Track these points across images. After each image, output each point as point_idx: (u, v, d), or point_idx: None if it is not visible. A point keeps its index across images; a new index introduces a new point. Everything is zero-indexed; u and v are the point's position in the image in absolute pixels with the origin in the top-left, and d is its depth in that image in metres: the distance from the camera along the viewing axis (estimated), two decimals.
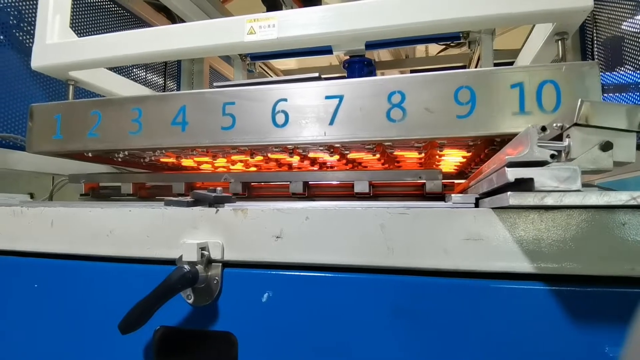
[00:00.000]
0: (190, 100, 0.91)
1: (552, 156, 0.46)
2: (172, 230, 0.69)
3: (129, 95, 1.00)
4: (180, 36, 0.99)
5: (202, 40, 0.97)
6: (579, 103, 0.47)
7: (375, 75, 1.64)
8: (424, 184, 0.91)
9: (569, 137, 0.48)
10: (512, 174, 0.46)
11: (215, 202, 0.70)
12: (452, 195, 0.66)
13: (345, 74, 1.56)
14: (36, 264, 0.78)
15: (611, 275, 0.53)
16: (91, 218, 0.74)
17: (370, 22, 0.88)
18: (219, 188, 0.74)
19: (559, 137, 0.50)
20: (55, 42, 1.09)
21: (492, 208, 0.56)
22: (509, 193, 0.47)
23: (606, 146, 0.47)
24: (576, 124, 0.47)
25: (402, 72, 2.45)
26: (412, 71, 2.37)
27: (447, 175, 1.17)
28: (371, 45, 1.57)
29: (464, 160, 1.06)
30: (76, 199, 1.18)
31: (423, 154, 0.99)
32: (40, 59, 1.10)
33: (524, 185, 0.47)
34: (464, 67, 2.06)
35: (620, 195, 0.46)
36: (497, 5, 0.80)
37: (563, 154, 0.48)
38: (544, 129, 0.47)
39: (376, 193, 0.97)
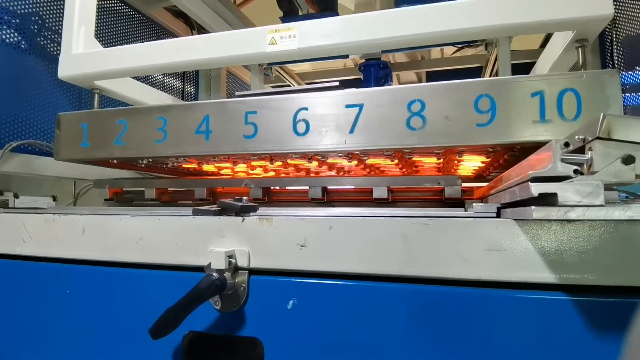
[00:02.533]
0: (214, 109, 0.93)
1: (576, 171, 0.47)
2: (200, 238, 0.72)
3: (154, 105, 1.03)
4: (203, 47, 1.01)
5: (225, 51, 0.99)
6: (601, 117, 0.48)
7: (391, 77, 1.65)
8: (442, 189, 0.92)
9: (592, 150, 0.49)
10: (536, 189, 0.47)
11: (242, 211, 0.72)
12: (473, 203, 0.67)
13: (361, 77, 1.57)
14: (68, 270, 0.81)
15: (633, 286, 0.53)
16: (121, 226, 0.77)
17: (389, 32, 0.89)
18: (244, 197, 0.76)
19: (581, 149, 0.51)
20: (80, 53, 1.13)
21: (514, 219, 0.57)
22: (532, 207, 0.48)
23: (628, 160, 0.48)
24: (598, 138, 0.48)
25: (417, 74, 2.44)
26: (427, 72, 2.36)
27: (465, 179, 1.17)
28: (387, 50, 1.58)
29: (483, 165, 1.07)
30: (100, 203, 1.22)
31: (442, 160, 1.00)
32: (67, 68, 1.13)
33: (547, 198, 0.48)
34: (480, 68, 2.05)
35: None
36: (516, 14, 0.81)
37: (585, 167, 0.49)
38: (567, 144, 0.48)
39: (395, 198, 0.98)
